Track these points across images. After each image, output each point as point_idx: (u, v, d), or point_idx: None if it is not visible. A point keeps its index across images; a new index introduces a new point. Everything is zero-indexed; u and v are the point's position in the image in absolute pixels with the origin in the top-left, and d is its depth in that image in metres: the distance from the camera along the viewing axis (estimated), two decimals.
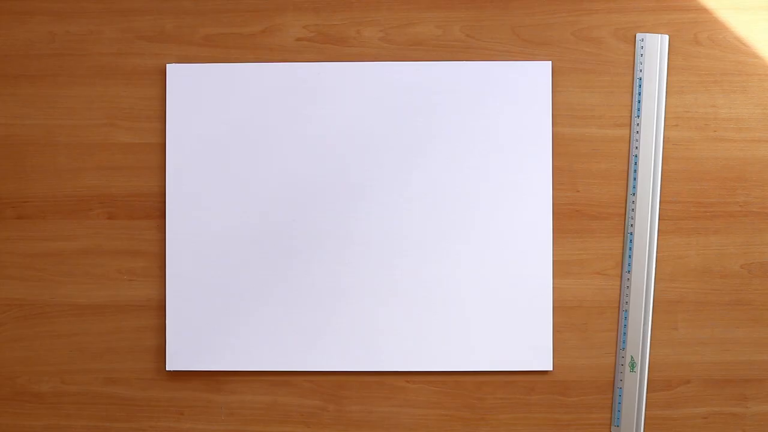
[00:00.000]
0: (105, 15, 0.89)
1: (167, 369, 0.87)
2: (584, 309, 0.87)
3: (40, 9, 0.89)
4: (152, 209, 0.88)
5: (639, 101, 0.87)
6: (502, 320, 0.87)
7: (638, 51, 0.88)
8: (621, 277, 0.87)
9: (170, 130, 0.87)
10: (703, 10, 0.88)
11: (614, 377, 0.88)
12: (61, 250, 0.88)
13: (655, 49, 0.87)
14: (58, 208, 0.88)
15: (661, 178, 0.87)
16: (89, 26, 0.89)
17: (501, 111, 0.87)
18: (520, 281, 0.86)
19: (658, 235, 0.87)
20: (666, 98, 0.88)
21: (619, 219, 0.88)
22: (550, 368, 0.87)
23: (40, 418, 0.88)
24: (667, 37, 0.88)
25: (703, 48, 0.88)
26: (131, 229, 0.88)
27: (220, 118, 0.87)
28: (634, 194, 0.87)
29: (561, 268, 0.87)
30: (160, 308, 0.88)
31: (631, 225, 0.87)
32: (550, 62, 0.87)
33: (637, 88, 0.88)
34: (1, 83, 0.89)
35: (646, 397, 0.87)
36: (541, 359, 0.86)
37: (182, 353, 0.87)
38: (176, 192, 0.87)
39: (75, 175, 0.88)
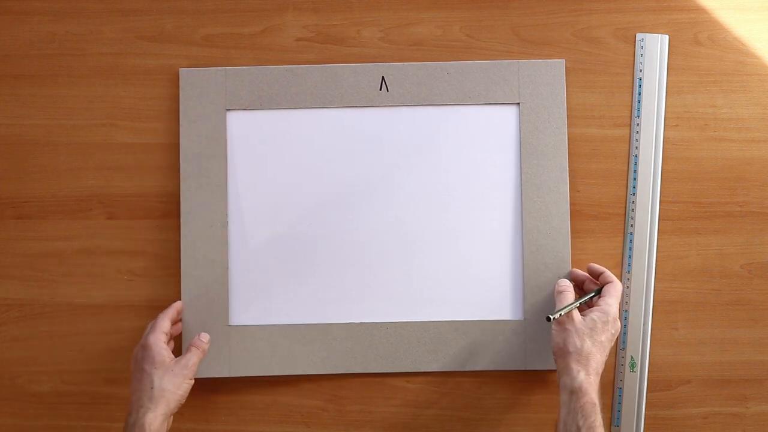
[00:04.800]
0: (105, 15, 0.89)
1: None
2: None
3: (40, 9, 0.89)
4: (152, 209, 0.88)
5: (639, 101, 0.87)
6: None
7: (638, 51, 0.88)
8: (621, 277, 0.87)
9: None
10: (703, 10, 0.88)
11: (614, 377, 0.88)
12: (61, 250, 0.88)
13: (655, 49, 0.87)
14: (58, 208, 0.88)
15: (661, 178, 0.87)
16: (89, 26, 0.89)
17: (514, 110, 0.86)
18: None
19: (658, 235, 0.87)
20: (666, 98, 0.88)
21: (619, 219, 0.88)
22: None
23: (40, 418, 0.88)
24: (667, 37, 0.88)
25: (703, 48, 0.88)
26: (131, 229, 0.88)
27: (228, 120, 0.87)
28: (634, 194, 0.87)
29: None
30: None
31: (631, 225, 0.87)
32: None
33: (637, 88, 0.88)
34: (1, 83, 0.89)
35: (646, 397, 0.87)
36: None
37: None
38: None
39: (75, 175, 0.88)
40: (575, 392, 0.74)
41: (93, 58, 0.89)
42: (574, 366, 0.76)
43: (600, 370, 0.77)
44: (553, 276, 0.86)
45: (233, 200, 0.87)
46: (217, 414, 0.88)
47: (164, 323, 0.81)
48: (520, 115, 0.86)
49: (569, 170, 0.87)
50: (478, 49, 0.88)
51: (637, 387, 0.87)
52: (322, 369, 0.86)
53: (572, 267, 0.86)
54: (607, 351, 0.78)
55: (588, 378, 0.75)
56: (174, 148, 0.88)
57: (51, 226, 0.88)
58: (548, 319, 0.76)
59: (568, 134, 0.87)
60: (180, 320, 0.85)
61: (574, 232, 0.87)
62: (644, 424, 0.87)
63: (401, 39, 0.88)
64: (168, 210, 0.88)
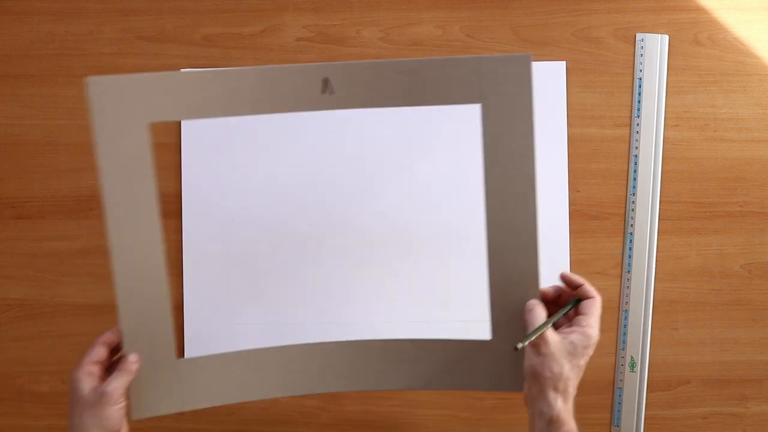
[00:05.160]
0: (105, 15, 0.89)
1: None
2: None
3: (40, 9, 0.89)
4: None
5: (639, 101, 0.87)
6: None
7: (638, 51, 0.88)
8: (621, 277, 0.87)
9: (185, 132, 0.87)
10: (703, 10, 0.88)
11: (614, 377, 0.88)
12: (61, 250, 0.88)
13: (655, 49, 0.87)
14: (58, 208, 0.88)
15: (661, 178, 0.87)
16: (89, 26, 0.89)
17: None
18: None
19: (658, 235, 0.87)
20: (666, 98, 0.88)
21: (619, 219, 0.88)
22: None
23: (40, 418, 0.88)
24: (667, 37, 0.88)
25: (703, 48, 0.88)
26: None
27: (231, 119, 0.87)
28: (634, 194, 0.87)
29: None
30: None
31: (631, 225, 0.87)
32: (564, 62, 0.87)
33: (637, 88, 0.88)
34: (1, 83, 0.89)
35: (646, 397, 0.87)
36: None
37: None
38: (191, 193, 0.87)
39: (75, 175, 0.88)
40: (554, 422, 0.69)
41: (93, 58, 0.89)
42: (551, 393, 0.69)
43: (575, 394, 0.71)
44: (521, 296, 0.75)
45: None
46: (217, 414, 0.88)
47: (94, 352, 0.70)
48: (483, 117, 0.74)
49: (569, 170, 0.87)
50: (478, 49, 0.88)
51: (637, 387, 0.87)
52: (279, 392, 0.78)
53: (570, 270, 0.86)
54: (582, 373, 0.71)
55: (566, 405, 0.69)
56: (174, 148, 0.88)
57: (51, 226, 0.88)
58: (516, 348, 0.68)
59: (568, 134, 0.87)
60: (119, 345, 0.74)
61: (574, 232, 0.87)
62: (644, 424, 0.87)
63: (401, 39, 0.88)
64: (168, 210, 0.87)
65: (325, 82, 0.74)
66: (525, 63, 0.72)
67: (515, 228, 0.75)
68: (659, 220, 0.87)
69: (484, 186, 0.74)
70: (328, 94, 0.74)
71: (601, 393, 0.87)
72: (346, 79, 0.74)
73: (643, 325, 0.87)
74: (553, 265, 0.86)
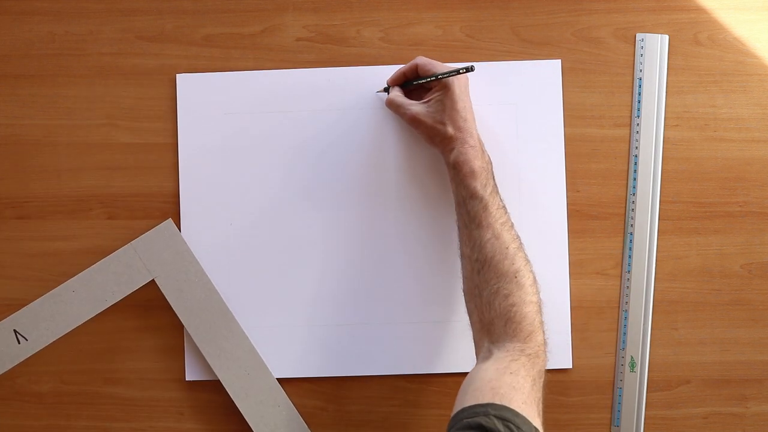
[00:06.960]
0: (105, 15, 0.89)
1: (187, 379, 0.87)
2: (584, 309, 0.87)
3: (40, 9, 0.89)
4: (152, 209, 0.88)
5: (639, 101, 0.87)
6: None
7: (638, 51, 0.88)
8: (621, 277, 0.87)
9: (182, 134, 0.87)
10: (703, 10, 0.88)
11: (614, 377, 0.88)
12: (61, 250, 0.88)
13: (655, 49, 0.87)
14: (58, 208, 0.88)
15: (661, 178, 0.87)
16: (89, 26, 0.89)
17: (511, 111, 0.87)
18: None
19: (658, 235, 0.87)
20: (666, 98, 0.88)
21: (619, 219, 0.88)
22: (570, 366, 0.87)
23: (40, 418, 0.88)
24: (667, 37, 0.88)
25: (703, 48, 0.88)
26: (131, 229, 0.88)
27: (228, 122, 0.87)
28: (634, 194, 0.87)
29: None
30: (159, 308, 0.88)
31: (631, 225, 0.87)
32: (559, 61, 0.87)
33: (637, 88, 0.88)
34: (1, 83, 0.89)
35: (646, 397, 0.87)
36: (561, 358, 0.86)
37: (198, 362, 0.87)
38: (189, 194, 0.87)
39: (75, 175, 0.88)
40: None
41: (93, 58, 0.89)
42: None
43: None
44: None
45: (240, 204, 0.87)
46: (217, 414, 0.88)
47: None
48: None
49: (569, 170, 0.87)
50: (478, 49, 0.88)
51: (637, 387, 0.87)
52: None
53: (570, 270, 0.86)
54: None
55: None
56: (172, 148, 0.88)
57: (51, 226, 0.88)
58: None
59: (567, 134, 0.87)
60: None
61: (574, 232, 0.87)
62: (644, 424, 0.87)
63: (401, 39, 0.88)
64: (168, 210, 0.88)
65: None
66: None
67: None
68: (659, 220, 0.87)
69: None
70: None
71: (601, 393, 0.87)
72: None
73: (643, 325, 0.87)
74: (552, 265, 0.86)
